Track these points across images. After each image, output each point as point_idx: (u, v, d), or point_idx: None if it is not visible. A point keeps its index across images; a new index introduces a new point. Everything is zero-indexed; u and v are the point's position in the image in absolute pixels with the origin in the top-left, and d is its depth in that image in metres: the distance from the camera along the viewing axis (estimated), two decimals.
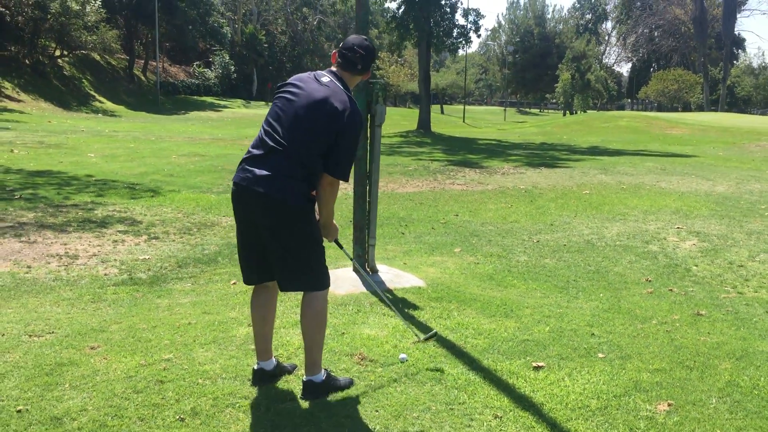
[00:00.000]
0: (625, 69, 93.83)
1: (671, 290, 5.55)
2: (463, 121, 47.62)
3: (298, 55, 64.92)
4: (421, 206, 10.07)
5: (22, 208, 8.74)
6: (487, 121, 51.86)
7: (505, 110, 64.84)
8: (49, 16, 36.60)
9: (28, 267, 5.93)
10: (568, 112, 62.40)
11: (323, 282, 3.28)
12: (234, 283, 5.46)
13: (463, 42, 29.83)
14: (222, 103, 50.66)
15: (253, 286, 3.48)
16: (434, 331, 3.92)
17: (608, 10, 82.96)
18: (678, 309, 4.96)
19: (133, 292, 5.20)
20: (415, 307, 4.71)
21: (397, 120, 42.77)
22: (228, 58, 55.72)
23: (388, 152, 19.96)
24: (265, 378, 3.44)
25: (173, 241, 7.26)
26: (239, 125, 34.09)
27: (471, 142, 26.66)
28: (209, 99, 51.25)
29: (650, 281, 5.86)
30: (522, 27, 71.74)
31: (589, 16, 79.33)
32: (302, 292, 3.32)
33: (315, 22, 65.94)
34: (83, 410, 3.13)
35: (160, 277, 5.71)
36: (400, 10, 28.07)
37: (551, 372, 3.62)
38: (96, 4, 39.20)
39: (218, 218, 8.70)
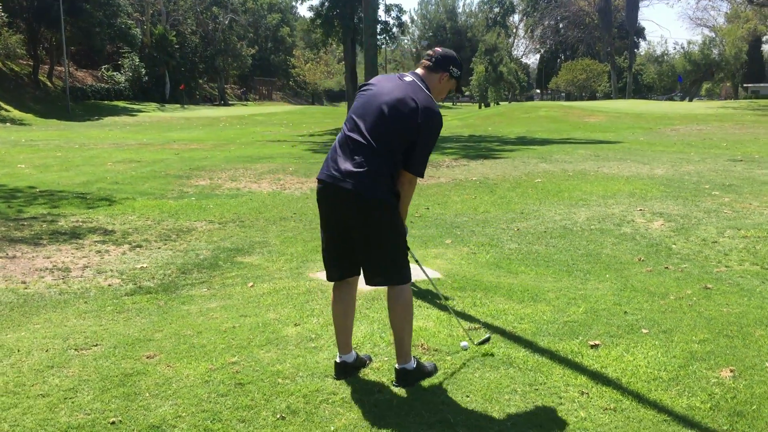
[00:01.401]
0: (532, 60, 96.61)
1: (667, 268, 5.89)
2: None
3: (210, 55, 63.67)
4: None
5: None
6: None
7: None
8: None
9: (23, 282, 5.71)
10: (482, 104, 63.77)
11: (407, 275, 3.37)
12: (252, 286, 5.44)
13: (387, 38, 30.06)
14: (135, 107, 49.15)
15: (332, 282, 3.53)
16: (488, 335, 3.99)
17: (515, 3, 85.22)
18: (686, 284, 5.28)
19: (153, 301, 5.11)
20: (445, 298, 4.83)
21: (320, 118, 42.67)
22: (138, 60, 54.07)
23: (323, 151, 19.94)
24: (348, 371, 3.50)
25: (159, 248, 7.12)
26: (160, 129, 33.24)
27: None
28: (121, 103, 49.61)
29: (643, 260, 6.19)
30: (434, 22, 72.85)
31: (497, 10, 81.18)
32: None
33: (226, 22, 64.82)
34: (178, 417, 3.11)
35: (169, 285, 5.62)
36: (324, 6, 28.04)
37: (609, 349, 3.83)
38: None
39: (191, 223, 8.56)
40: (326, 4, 28.09)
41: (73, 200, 10.34)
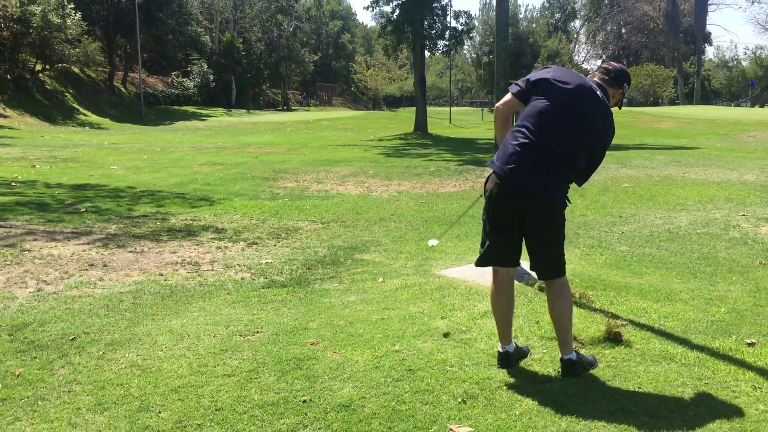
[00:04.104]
0: (594, 66, 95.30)
1: None
2: (450, 122, 48.03)
3: (274, 61, 64.84)
4: (479, 204, 10.28)
5: (98, 220, 8.78)
6: (467, 121, 52.27)
7: (482, 110, 65.44)
8: (31, 30, 36.14)
9: (161, 275, 6.02)
10: None
11: (565, 269, 3.58)
12: (382, 281, 5.62)
13: (455, 43, 30.19)
14: (204, 112, 50.45)
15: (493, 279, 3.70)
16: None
17: (577, 8, 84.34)
18: None
19: (292, 293, 5.34)
20: (581, 296, 4.92)
21: (384, 123, 43.03)
22: (206, 67, 55.45)
23: (397, 155, 20.18)
24: (511, 361, 3.64)
25: (275, 246, 7.38)
26: (231, 133, 33.99)
27: (470, 142, 27.00)
28: (191, 108, 50.98)
29: (765, 264, 6.16)
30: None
31: (558, 15, 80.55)
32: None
33: (291, 29, 65.91)
34: (363, 398, 3.28)
35: (300, 279, 5.84)
36: (395, 14, 28.32)
37: (767, 347, 3.86)
38: (76, 17, 38.81)
39: (294, 223, 8.82)
40: (397, 11, 28.34)
41: (175, 200, 10.75)
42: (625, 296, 4.96)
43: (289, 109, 63.31)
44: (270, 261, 6.56)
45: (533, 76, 3.57)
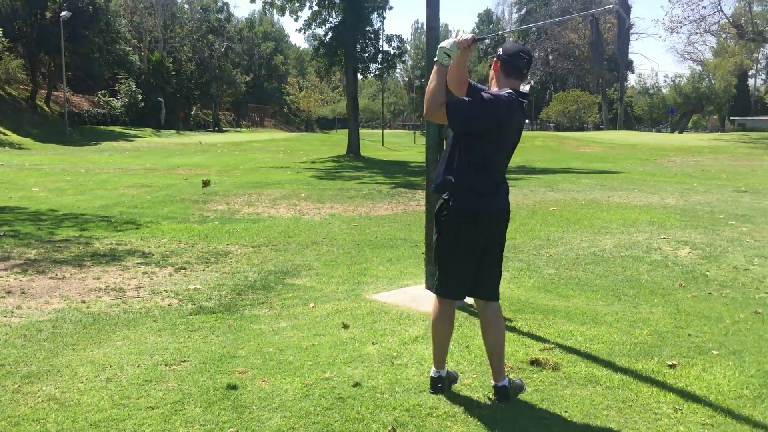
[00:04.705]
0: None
1: (710, 294, 6.08)
2: (382, 145, 48.31)
3: (205, 82, 64.04)
4: (411, 227, 10.35)
5: (17, 245, 8.44)
6: (400, 144, 52.67)
7: (414, 133, 66.05)
8: None
9: (83, 302, 5.81)
10: None
11: None
12: (313, 307, 5.56)
13: (387, 67, 30.49)
14: (132, 132, 49.20)
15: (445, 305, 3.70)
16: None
17: (506, 35, 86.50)
18: (736, 309, 5.47)
19: (221, 320, 5.22)
20: (509, 320, 4.98)
21: (317, 145, 42.94)
22: (135, 86, 54.30)
23: (329, 177, 20.15)
24: (444, 386, 3.64)
25: (204, 270, 7.23)
26: (160, 154, 33.30)
27: (403, 165, 27.20)
28: (118, 129, 49.67)
29: (684, 286, 6.38)
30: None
31: (488, 41, 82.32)
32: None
33: (222, 49, 65.31)
34: (292, 428, 3.23)
35: (229, 305, 5.73)
36: (327, 36, 28.43)
37: (687, 369, 3.99)
38: None
39: (225, 246, 8.67)
40: (330, 34, 28.47)
41: (99, 223, 10.44)
42: (552, 319, 5.05)
43: (220, 130, 62.51)
44: (198, 286, 6.42)
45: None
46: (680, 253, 8.12)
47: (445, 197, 3.50)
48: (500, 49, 3.59)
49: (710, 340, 4.55)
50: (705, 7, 41.69)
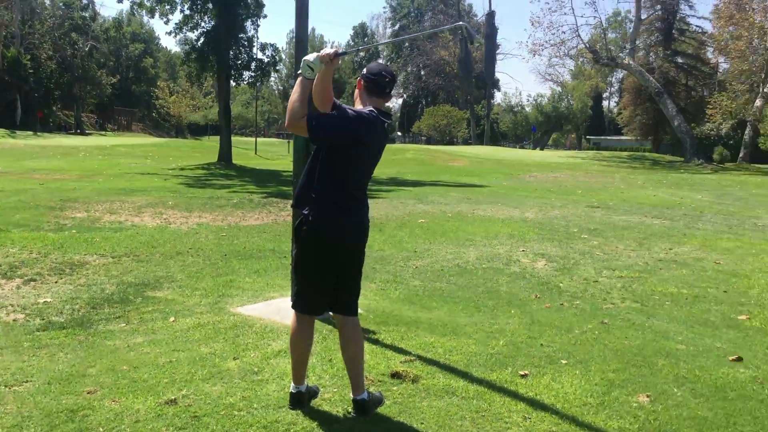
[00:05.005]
0: (395, 104, 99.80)
1: (562, 305, 6.42)
2: (255, 153, 47.63)
3: (67, 82, 60.75)
4: (281, 238, 10.27)
5: None
6: (273, 153, 52.14)
7: (288, 142, 65.60)
8: None
9: None
10: None
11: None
12: (173, 321, 5.39)
13: (261, 75, 30.14)
14: None
15: (303, 321, 3.69)
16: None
17: (380, 49, 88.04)
18: (584, 320, 5.81)
19: (71, 336, 4.95)
20: (372, 332, 5.04)
21: (187, 152, 41.71)
22: None
23: (199, 185, 19.66)
24: (303, 401, 3.63)
25: (56, 282, 6.84)
26: (14, 157, 31.23)
27: (276, 174, 26.95)
28: None
29: (539, 297, 6.71)
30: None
31: (363, 54, 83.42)
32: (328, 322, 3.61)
33: (86, 48, 62.22)
34: None
35: (82, 320, 5.45)
36: (200, 42, 27.75)
37: (537, 378, 4.19)
38: None
39: (81, 257, 8.24)
40: (202, 39, 27.80)
41: None
42: (415, 331, 5.16)
43: (83, 133, 59.43)
44: (49, 300, 6.06)
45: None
46: (537, 265, 8.53)
47: (305, 212, 3.50)
48: (364, 69, 3.65)
49: (560, 350, 4.80)
50: (564, 32, 44.29)
